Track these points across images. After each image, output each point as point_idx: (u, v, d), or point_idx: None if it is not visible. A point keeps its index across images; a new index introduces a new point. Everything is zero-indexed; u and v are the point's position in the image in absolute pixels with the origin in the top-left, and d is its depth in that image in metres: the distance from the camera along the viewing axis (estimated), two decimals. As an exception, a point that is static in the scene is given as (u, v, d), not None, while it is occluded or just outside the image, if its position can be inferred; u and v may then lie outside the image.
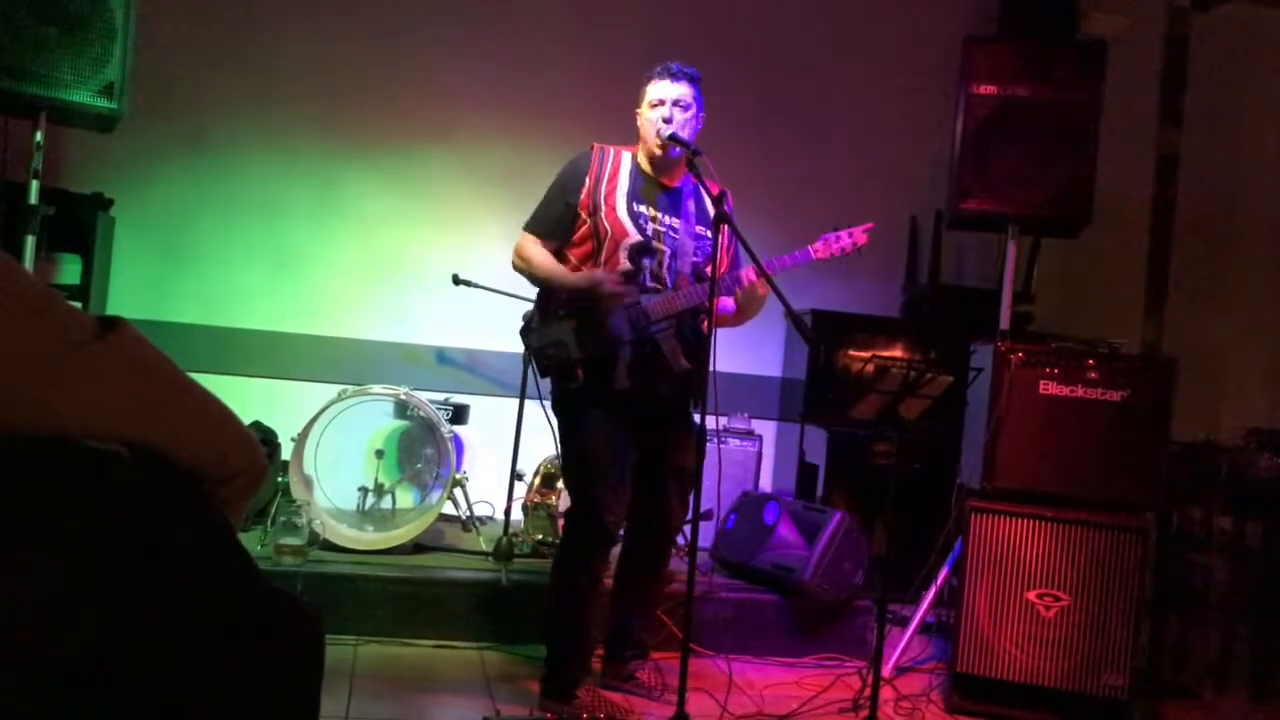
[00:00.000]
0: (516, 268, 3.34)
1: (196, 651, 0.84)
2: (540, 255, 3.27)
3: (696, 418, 3.14)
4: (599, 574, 3.33)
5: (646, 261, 3.22)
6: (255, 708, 0.90)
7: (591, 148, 3.33)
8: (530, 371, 3.99)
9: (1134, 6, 5.32)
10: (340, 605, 3.70)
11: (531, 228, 3.32)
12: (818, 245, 3.33)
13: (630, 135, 3.39)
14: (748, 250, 3.04)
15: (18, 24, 3.36)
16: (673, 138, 3.17)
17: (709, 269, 3.28)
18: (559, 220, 3.28)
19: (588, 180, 3.25)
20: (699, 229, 3.33)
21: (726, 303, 3.31)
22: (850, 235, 3.33)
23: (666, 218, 3.29)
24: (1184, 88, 5.00)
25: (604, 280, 3.16)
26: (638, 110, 3.33)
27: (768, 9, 5.51)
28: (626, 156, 3.34)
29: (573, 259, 3.27)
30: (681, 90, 3.25)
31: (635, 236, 3.21)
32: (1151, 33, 5.14)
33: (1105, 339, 3.79)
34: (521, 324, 3.40)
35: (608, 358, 3.18)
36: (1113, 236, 4.96)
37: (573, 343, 3.20)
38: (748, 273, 3.20)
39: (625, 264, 3.20)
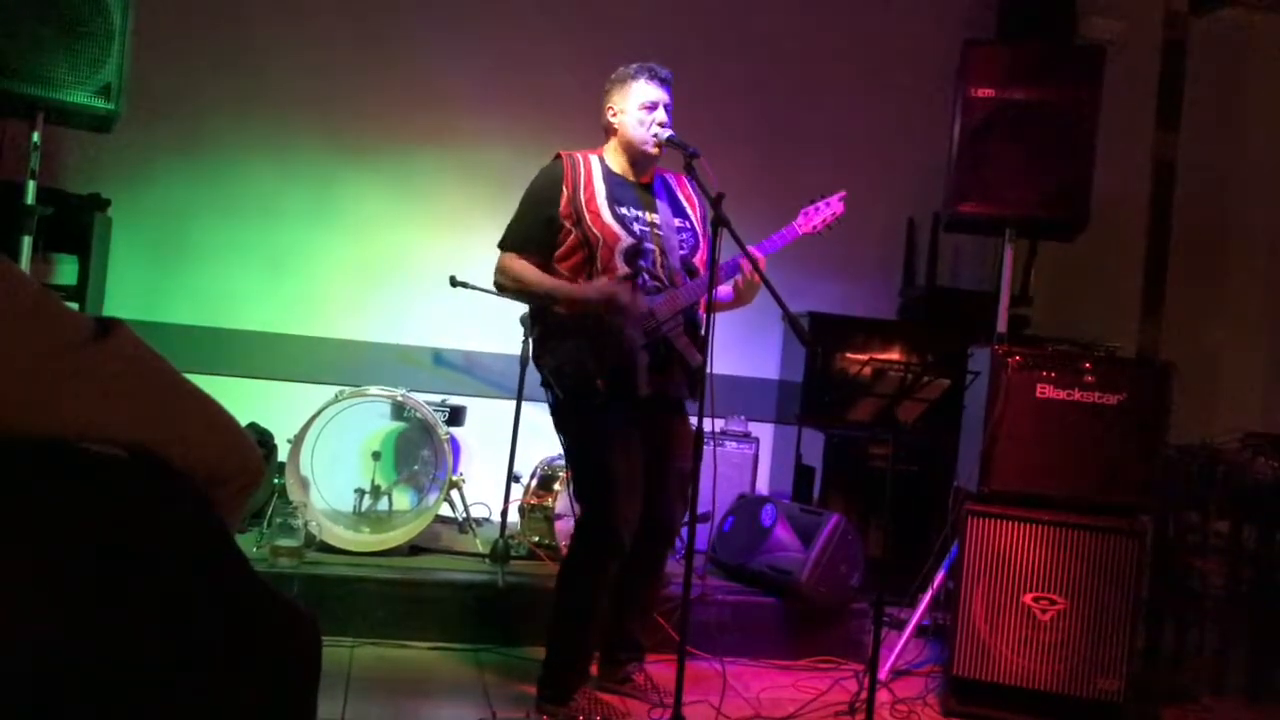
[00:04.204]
0: (504, 287, 3.28)
1: (193, 655, 0.84)
2: (532, 271, 3.21)
3: (692, 419, 3.13)
4: (607, 583, 3.28)
5: (642, 263, 3.21)
6: (252, 711, 0.90)
7: (559, 156, 3.30)
8: (528, 373, 4.00)
9: (1131, 11, 5.33)
10: (337, 607, 3.70)
11: (512, 245, 3.26)
12: (799, 221, 3.36)
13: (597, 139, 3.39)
14: (742, 248, 3.04)
15: (16, 24, 3.35)
16: (672, 140, 3.19)
17: (695, 260, 3.30)
18: (540, 234, 3.23)
19: (564, 189, 3.21)
20: (677, 221, 3.33)
21: (725, 290, 3.31)
22: (828, 205, 3.37)
23: (649, 215, 3.28)
24: (1181, 92, 5.00)
25: (617, 292, 3.11)
26: (611, 109, 3.31)
27: (766, 12, 5.51)
28: (595, 160, 3.31)
29: (563, 271, 3.22)
30: (668, 94, 3.28)
31: (627, 239, 3.19)
32: (1149, 37, 5.15)
33: (1102, 342, 3.79)
34: (532, 348, 3.36)
35: (625, 366, 3.16)
36: (1110, 240, 4.96)
37: (590, 358, 3.14)
38: (744, 262, 3.19)
39: (623, 268, 3.18)
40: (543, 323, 3.29)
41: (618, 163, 3.33)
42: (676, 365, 3.23)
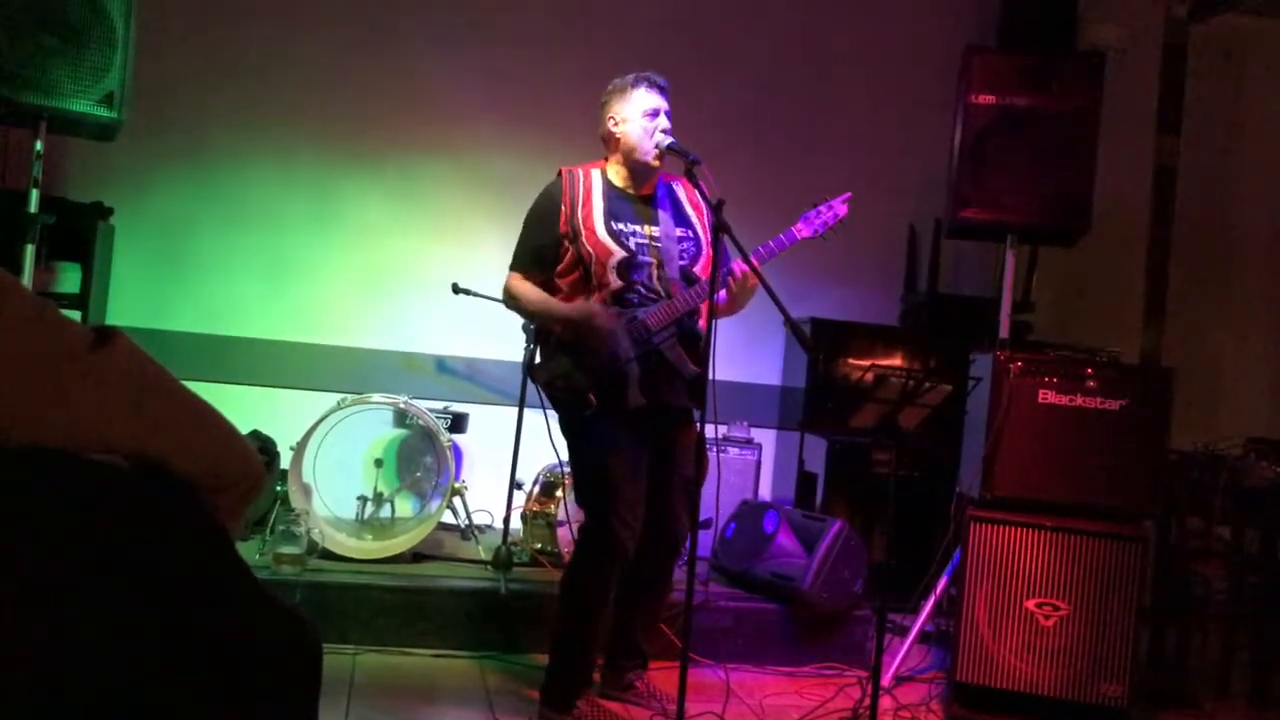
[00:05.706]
0: (508, 305, 3.34)
1: (195, 662, 0.84)
2: (529, 290, 3.25)
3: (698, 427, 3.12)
4: (610, 592, 3.26)
5: (636, 276, 3.20)
6: (253, 718, 0.90)
7: (559, 173, 3.31)
8: (529, 380, 4.00)
9: (1132, 17, 5.34)
10: (339, 614, 3.70)
11: (517, 266, 3.30)
12: (798, 226, 3.27)
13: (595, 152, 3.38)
14: (740, 251, 3.03)
15: (18, 33, 3.36)
16: (673, 148, 3.18)
17: (695, 269, 3.29)
18: (542, 253, 3.25)
19: (563, 206, 3.22)
20: (679, 231, 3.31)
21: (719, 294, 3.28)
22: (830, 208, 3.27)
23: (647, 228, 3.26)
24: (1182, 97, 5.01)
25: (597, 314, 3.13)
26: (613, 118, 3.28)
27: (766, 19, 5.52)
28: (596, 175, 3.31)
29: (563, 288, 3.24)
30: (667, 101, 3.27)
31: (620, 253, 3.18)
32: (1149, 43, 5.16)
33: (1104, 348, 3.79)
34: (527, 361, 3.37)
35: (617, 378, 3.16)
36: (1111, 245, 4.96)
37: (579, 372, 3.16)
38: (739, 266, 3.16)
39: (616, 282, 3.17)
40: (541, 339, 3.34)
41: (619, 176, 3.32)
42: (670, 376, 3.22)
